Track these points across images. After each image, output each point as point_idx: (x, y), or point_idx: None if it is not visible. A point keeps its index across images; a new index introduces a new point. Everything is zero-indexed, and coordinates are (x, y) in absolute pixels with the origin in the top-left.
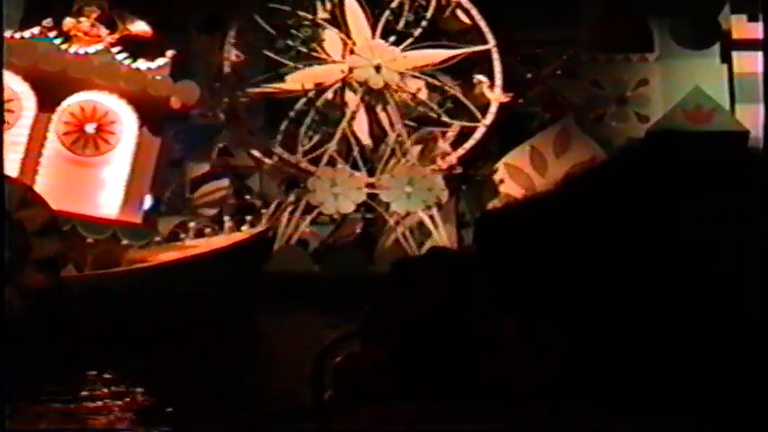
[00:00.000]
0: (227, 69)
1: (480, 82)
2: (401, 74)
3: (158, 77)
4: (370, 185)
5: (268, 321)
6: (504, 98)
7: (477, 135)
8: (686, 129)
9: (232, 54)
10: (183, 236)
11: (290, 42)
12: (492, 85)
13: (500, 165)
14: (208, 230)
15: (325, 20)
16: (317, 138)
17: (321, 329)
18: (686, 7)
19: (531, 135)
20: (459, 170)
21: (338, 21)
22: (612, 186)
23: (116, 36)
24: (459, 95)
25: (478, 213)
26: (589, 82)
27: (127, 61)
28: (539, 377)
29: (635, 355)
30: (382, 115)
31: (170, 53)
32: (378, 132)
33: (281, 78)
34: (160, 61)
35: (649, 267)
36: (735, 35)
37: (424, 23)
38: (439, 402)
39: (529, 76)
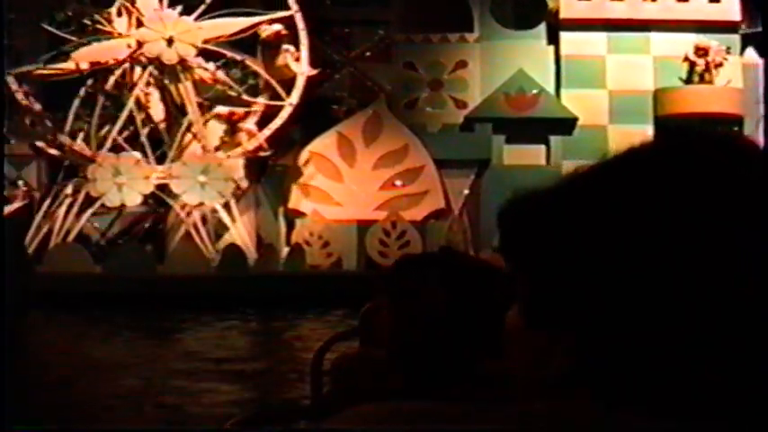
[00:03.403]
0: None
1: (287, 51)
2: (196, 47)
3: None
4: (160, 175)
5: (41, 326)
6: (312, 72)
7: (284, 114)
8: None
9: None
10: None
11: (69, 14)
12: (298, 58)
13: (304, 153)
14: None
15: None
16: (100, 121)
17: (104, 335)
18: None
19: (337, 121)
20: (267, 153)
21: None
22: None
23: None
24: (261, 71)
25: (281, 205)
26: (402, 64)
27: None
28: (546, 374)
29: (662, 353)
30: (175, 95)
31: None
32: (170, 115)
33: (64, 57)
34: None
35: (679, 266)
36: (563, 15)
37: None
38: (441, 401)
39: (336, 57)
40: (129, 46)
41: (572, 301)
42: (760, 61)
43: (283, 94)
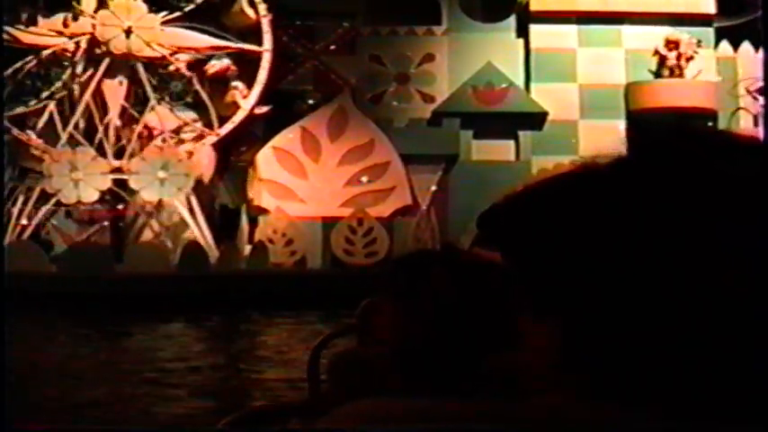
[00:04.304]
0: None
1: (235, 88)
2: (151, 47)
3: None
4: (117, 170)
5: None
6: (261, 110)
7: (207, 142)
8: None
9: None
10: None
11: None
12: (247, 94)
13: (267, 149)
14: None
15: None
16: (55, 112)
17: (59, 336)
18: None
19: (301, 116)
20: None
21: None
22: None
23: None
24: (204, 95)
25: (243, 202)
26: (368, 57)
27: None
28: (546, 372)
29: (651, 350)
30: (107, 89)
31: None
32: (127, 108)
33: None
34: None
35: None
36: (533, 7)
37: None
38: (443, 397)
39: (300, 50)
40: (93, 26)
41: (570, 299)
42: (756, 54)
43: (216, 123)
